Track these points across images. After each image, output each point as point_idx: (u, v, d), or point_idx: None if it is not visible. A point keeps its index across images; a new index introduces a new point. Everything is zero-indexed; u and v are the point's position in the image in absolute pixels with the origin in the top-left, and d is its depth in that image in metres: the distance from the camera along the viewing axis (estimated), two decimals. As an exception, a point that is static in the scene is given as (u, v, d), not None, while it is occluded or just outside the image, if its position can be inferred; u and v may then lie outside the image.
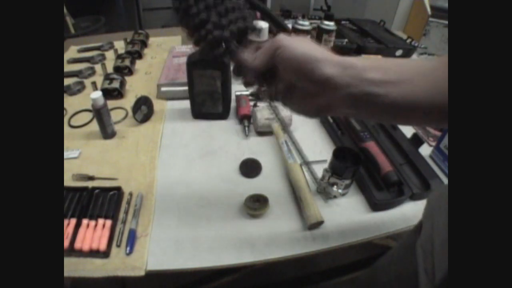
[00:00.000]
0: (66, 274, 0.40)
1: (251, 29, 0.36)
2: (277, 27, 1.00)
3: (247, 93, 0.75)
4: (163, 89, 0.76)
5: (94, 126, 0.64)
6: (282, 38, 0.31)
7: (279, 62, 0.31)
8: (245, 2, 0.37)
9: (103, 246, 0.43)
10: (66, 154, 0.59)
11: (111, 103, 0.72)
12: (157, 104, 0.74)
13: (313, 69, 0.29)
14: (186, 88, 0.68)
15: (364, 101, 0.29)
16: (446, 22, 1.45)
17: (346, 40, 1.08)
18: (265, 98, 0.41)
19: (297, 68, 0.30)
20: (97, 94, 0.58)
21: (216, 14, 0.33)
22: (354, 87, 0.29)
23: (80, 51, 1.01)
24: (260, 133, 0.67)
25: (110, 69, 0.87)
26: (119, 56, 0.89)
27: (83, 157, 0.59)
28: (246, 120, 0.68)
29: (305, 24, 0.82)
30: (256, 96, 0.74)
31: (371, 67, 0.29)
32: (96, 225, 0.46)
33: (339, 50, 1.01)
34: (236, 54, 0.34)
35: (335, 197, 0.53)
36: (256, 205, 0.49)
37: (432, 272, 0.31)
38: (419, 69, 0.29)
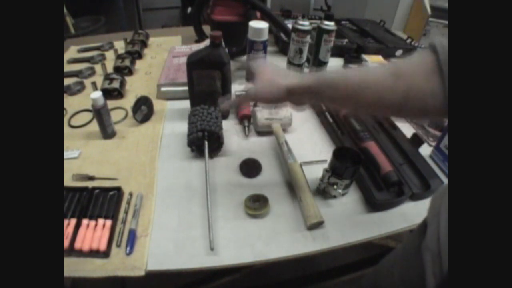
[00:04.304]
0: (66, 274, 0.40)
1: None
2: (277, 27, 1.00)
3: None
4: (163, 89, 0.76)
5: (94, 126, 0.64)
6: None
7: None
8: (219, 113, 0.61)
9: (103, 246, 0.43)
10: (66, 154, 0.59)
11: (111, 103, 0.72)
12: (157, 104, 0.74)
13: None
14: (186, 88, 0.68)
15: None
16: (446, 22, 1.45)
17: (346, 40, 1.08)
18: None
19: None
20: (97, 94, 0.58)
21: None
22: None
23: (80, 51, 1.01)
24: (260, 133, 0.67)
25: (110, 69, 0.87)
26: (119, 56, 0.89)
27: (83, 157, 0.59)
28: (246, 120, 0.68)
29: (305, 24, 0.82)
30: None
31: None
32: (96, 225, 0.46)
33: (339, 50, 1.01)
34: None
35: (335, 197, 0.53)
36: (256, 205, 0.49)
37: (441, 275, 0.30)
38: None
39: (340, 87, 0.39)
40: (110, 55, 0.96)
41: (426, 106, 0.33)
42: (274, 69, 0.47)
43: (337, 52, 1.00)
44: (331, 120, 0.69)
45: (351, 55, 0.99)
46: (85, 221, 0.46)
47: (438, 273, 0.31)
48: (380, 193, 0.52)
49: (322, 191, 0.54)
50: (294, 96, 0.44)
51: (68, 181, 0.53)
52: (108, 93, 0.75)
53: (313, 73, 0.43)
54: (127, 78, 0.83)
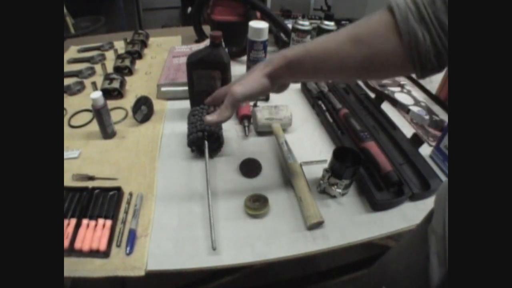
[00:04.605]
0: (66, 274, 0.40)
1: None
2: (277, 27, 1.00)
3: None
4: (163, 89, 0.76)
5: (94, 126, 0.64)
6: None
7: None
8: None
9: (103, 246, 0.43)
10: (66, 154, 0.59)
11: (111, 103, 0.72)
12: (157, 104, 0.74)
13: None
14: (186, 88, 0.68)
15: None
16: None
17: (346, 40, 1.07)
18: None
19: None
20: (97, 94, 0.58)
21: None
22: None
23: (80, 51, 1.01)
24: (260, 133, 0.67)
25: (110, 69, 0.87)
26: (119, 56, 0.89)
27: (83, 157, 0.59)
28: (246, 120, 0.68)
29: (305, 24, 0.82)
30: None
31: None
32: (96, 225, 0.46)
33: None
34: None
35: (335, 197, 0.53)
36: (256, 205, 0.49)
37: (444, 256, 0.30)
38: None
39: (305, 61, 0.41)
40: (110, 55, 0.96)
41: (387, 66, 0.36)
42: (242, 75, 0.47)
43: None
44: (331, 120, 0.69)
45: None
46: (85, 221, 0.46)
47: (442, 254, 0.31)
48: (380, 193, 0.52)
49: (322, 191, 0.54)
50: (275, 80, 0.44)
51: (68, 181, 0.53)
52: (108, 93, 0.75)
53: (279, 55, 0.43)
54: (127, 78, 0.83)
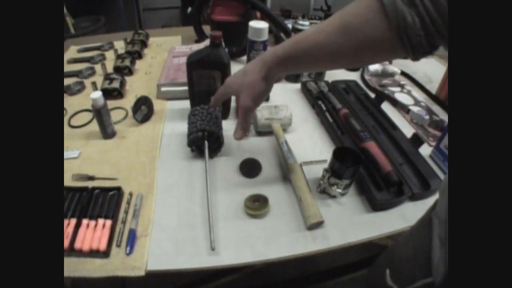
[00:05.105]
0: (66, 274, 0.40)
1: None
2: (277, 27, 1.00)
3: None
4: (163, 89, 0.76)
5: (94, 126, 0.64)
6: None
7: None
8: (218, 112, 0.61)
9: (103, 246, 0.43)
10: (66, 154, 0.59)
11: (111, 103, 0.72)
12: (157, 104, 0.74)
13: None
14: (186, 88, 0.68)
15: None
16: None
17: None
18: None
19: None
20: (97, 94, 0.58)
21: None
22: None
23: (80, 51, 1.01)
24: (260, 133, 0.67)
25: (110, 69, 0.87)
26: (119, 56, 0.89)
27: (83, 157, 0.59)
28: (246, 120, 0.68)
29: (305, 24, 0.82)
30: None
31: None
32: (96, 225, 0.46)
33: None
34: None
35: (335, 197, 0.53)
36: (256, 205, 0.49)
37: (445, 237, 0.31)
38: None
39: (297, 57, 0.42)
40: (110, 55, 0.96)
41: (379, 51, 0.36)
42: (236, 76, 0.49)
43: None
44: (331, 120, 0.69)
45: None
46: (85, 221, 0.46)
47: (443, 236, 0.31)
48: (380, 193, 0.52)
49: (322, 191, 0.54)
50: (272, 79, 0.47)
51: (68, 181, 0.53)
52: (108, 93, 0.75)
53: (270, 54, 0.44)
54: (127, 78, 0.83)
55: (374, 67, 0.91)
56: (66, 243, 0.43)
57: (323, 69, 0.48)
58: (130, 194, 0.51)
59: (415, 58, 0.35)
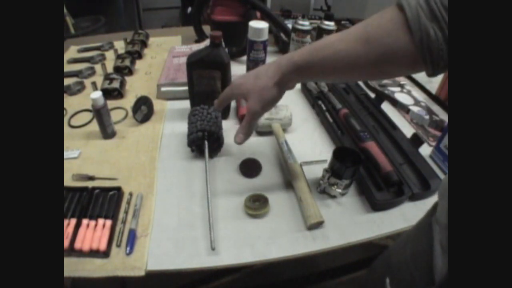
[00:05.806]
0: (66, 274, 0.40)
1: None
2: (277, 27, 1.00)
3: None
4: (163, 89, 0.76)
5: (94, 126, 0.64)
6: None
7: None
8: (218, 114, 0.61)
9: (103, 246, 0.43)
10: (66, 154, 0.59)
11: (111, 103, 0.72)
12: (157, 104, 0.74)
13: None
14: (186, 88, 0.68)
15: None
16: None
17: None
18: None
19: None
20: (97, 94, 0.58)
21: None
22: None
23: (80, 51, 1.01)
24: (260, 133, 0.67)
25: (110, 69, 0.87)
26: (119, 56, 0.89)
27: (83, 157, 0.59)
28: (246, 120, 0.68)
29: (305, 24, 0.82)
30: None
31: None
32: (96, 225, 0.46)
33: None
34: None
35: (335, 197, 0.53)
36: (256, 205, 0.49)
37: (447, 244, 0.31)
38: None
39: (314, 64, 0.40)
40: (110, 55, 0.96)
41: (399, 65, 0.36)
42: (247, 77, 0.47)
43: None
44: (331, 120, 0.69)
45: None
46: (85, 221, 0.46)
47: (445, 242, 0.31)
48: (380, 193, 0.52)
49: (322, 191, 0.54)
50: (284, 86, 0.45)
51: (68, 181, 0.53)
52: (108, 93, 0.75)
53: (287, 60, 0.43)
54: (127, 78, 0.83)
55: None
56: (66, 243, 0.43)
57: (339, 80, 0.45)
58: (130, 194, 0.51)
59: (433, 73, 0.35)
